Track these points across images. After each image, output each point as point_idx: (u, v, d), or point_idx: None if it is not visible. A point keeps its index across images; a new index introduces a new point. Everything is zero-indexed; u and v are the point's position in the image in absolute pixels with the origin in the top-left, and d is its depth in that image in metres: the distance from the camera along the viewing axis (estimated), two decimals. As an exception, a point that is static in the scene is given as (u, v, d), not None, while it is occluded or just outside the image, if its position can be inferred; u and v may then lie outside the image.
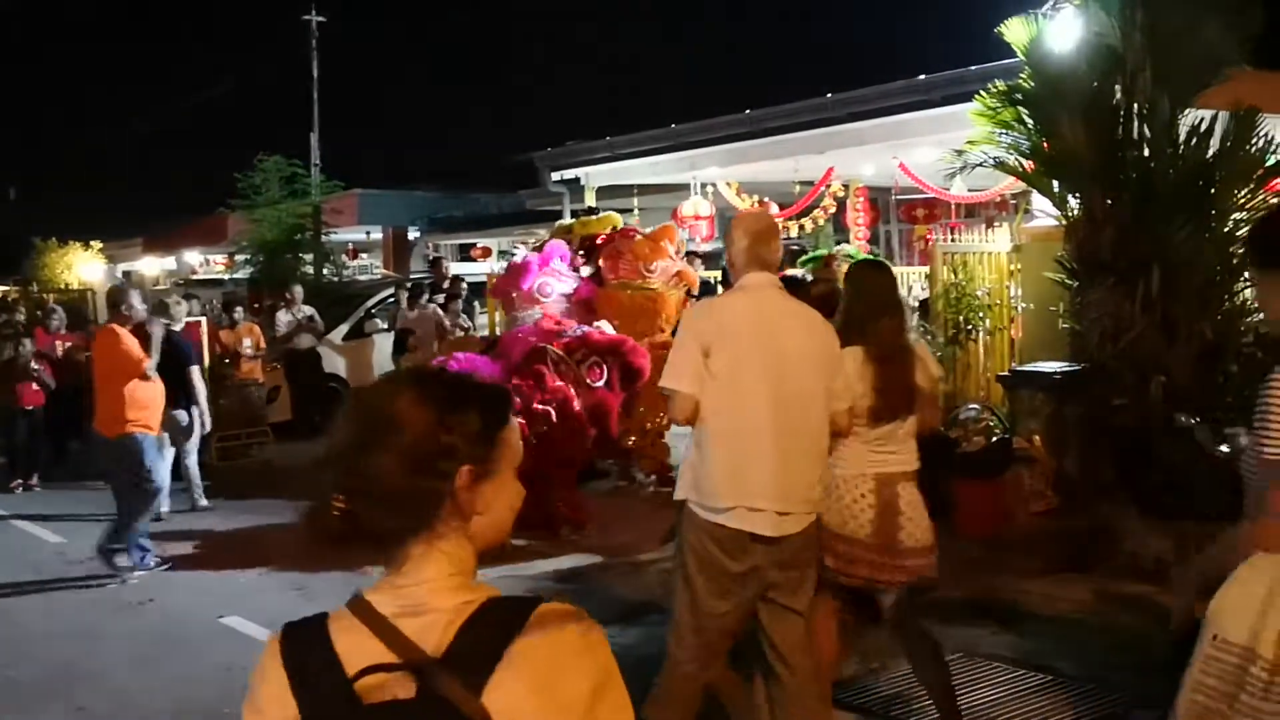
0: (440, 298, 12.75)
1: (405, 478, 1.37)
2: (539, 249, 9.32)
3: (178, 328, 8.92)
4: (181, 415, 8.44)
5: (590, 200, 15.79)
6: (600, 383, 7.62)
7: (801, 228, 14.28)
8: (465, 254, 24.31)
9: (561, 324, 8.07)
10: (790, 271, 8.23)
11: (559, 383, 7.35)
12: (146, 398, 7.24)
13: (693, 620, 3.54)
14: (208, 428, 8.88)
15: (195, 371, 8.64)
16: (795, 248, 14.84)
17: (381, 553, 1.40)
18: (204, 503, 9.15)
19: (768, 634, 3.57)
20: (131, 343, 7.18)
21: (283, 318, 13.08)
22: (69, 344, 12.15)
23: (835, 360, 3.64)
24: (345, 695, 1.32)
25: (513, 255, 9.90)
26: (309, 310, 13.27)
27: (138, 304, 7.51)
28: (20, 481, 10.55)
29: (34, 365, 10.77)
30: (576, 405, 7.39)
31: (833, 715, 3.86)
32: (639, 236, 9.16)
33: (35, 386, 10.73)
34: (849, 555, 3.86)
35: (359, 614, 1.37)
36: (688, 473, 3.60)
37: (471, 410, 1.41)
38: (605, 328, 8.08)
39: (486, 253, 23.27)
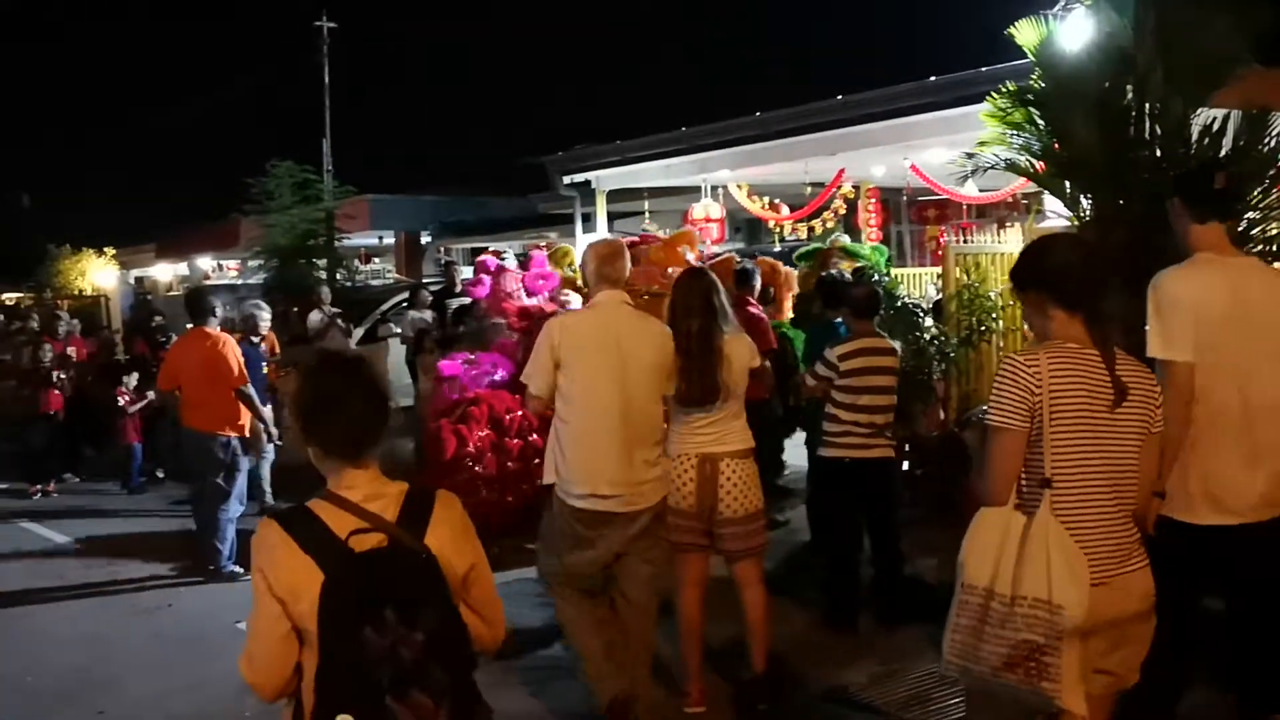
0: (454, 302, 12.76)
1: (386, 414, 2.31)
2: (524, 260, 9.30)
3: (257, 338, 9.03)
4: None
5: (601, 203, 15.80)
6: None
7: (811, 229, 14.28)
8: (477, 258, 24.39)
9: None
10: (828, 272, 8.24)
11: None
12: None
13: (561, 572, 4.34)
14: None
15: None
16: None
17: (351, 458, 2.26)
18: (271, 502, 9.13)
19: (617, 579, 4.37)
20: (237, 352, 7.45)
21: (314, 317, 13.15)
22: (86, 351, 12.24)
23: (671, 362, 4.33)
24: (341, 548, 2.14)
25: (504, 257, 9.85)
26: (336, 310, 13.33)
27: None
28: (40, 487, 10.61)
29: (58, 372, 10.85)
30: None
31: (655, 640, 4.56)
32: (657, 243, 9.12)
33: (56, 391, 10.81)
34: (674, 524, 4.49)
35: (334, 502, 2.23)
36: (551, 460, 4.34)
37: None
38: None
39: (497, 256, 23.33)
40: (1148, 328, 3.60)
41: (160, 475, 10.88)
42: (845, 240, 10.81)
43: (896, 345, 6.04)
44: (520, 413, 7.35)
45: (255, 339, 8.97)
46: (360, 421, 2.25)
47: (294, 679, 2.21)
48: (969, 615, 2.72)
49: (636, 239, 9.39)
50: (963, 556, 2.77)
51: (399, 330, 12.51)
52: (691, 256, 8.90)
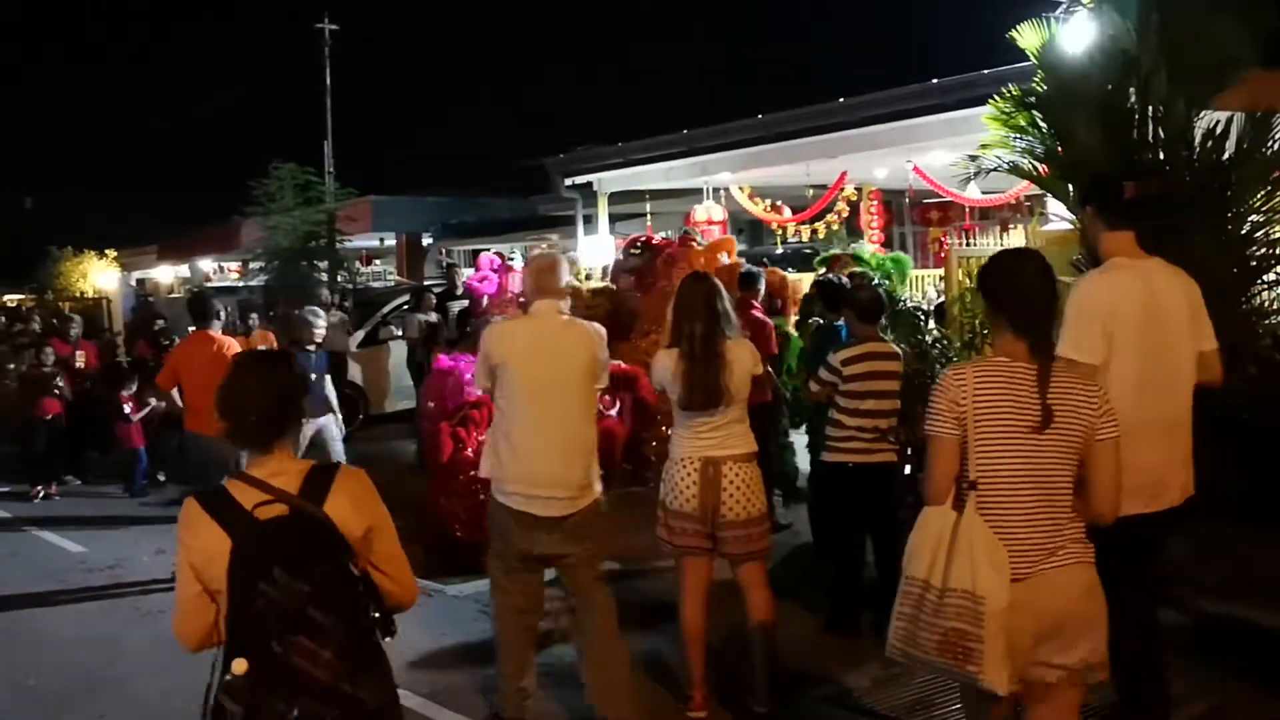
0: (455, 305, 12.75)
1: (292, 410, 2.71)
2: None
3: (312, 347, 8.56)
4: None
5: (602, 205, 15.79)
6: (612, 411, 7.58)
7: (814, 232, 14.27)
8: (478, 259, 24.38)
9: None
10: (828, 276, 8.23)
11: None
12: None
13: (499, 562, 4.55)
14: None
15: None
16: (808, 251, 14.81)
17: (260, 446, 2.63)
18: None
19: (568, 584, 4.63)
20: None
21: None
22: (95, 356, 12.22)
23: (600, 364, 4.53)
24: (248, 517, 2.50)
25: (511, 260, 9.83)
26: (338, 314, 13.33)
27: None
28: (40, 490, 10.61)
29: (58, 382, 10.82)
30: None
31: (619, 634, 4.64)
32: (695, 246, 9.14)
33: (55, 396, 10.80)
34: (677, 527, 4.56)
35: (244, 480, 2.59)
36: (488, 456, 4.57)
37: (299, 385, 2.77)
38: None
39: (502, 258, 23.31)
40: (1062, 329, 3.76)
41: (161, 479, 10.87)
42: (865, 249, 10.72)
43: (899, 349, 6.02)
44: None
45: (310, 348, 8.49)
46: (264, 417, 2.63)
47: (213, 633, 2.58)
48: (910, 605, 2.98)
49: (676, 241, 9.40)
50: (907, 551, 3.04)
51: (399, 332, 12.49)
52: (727, 261, 8.86)
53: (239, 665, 2.46)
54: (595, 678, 4.57)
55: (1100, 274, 3.89)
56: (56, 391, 10.79)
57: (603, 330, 4.66)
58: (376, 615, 2.63)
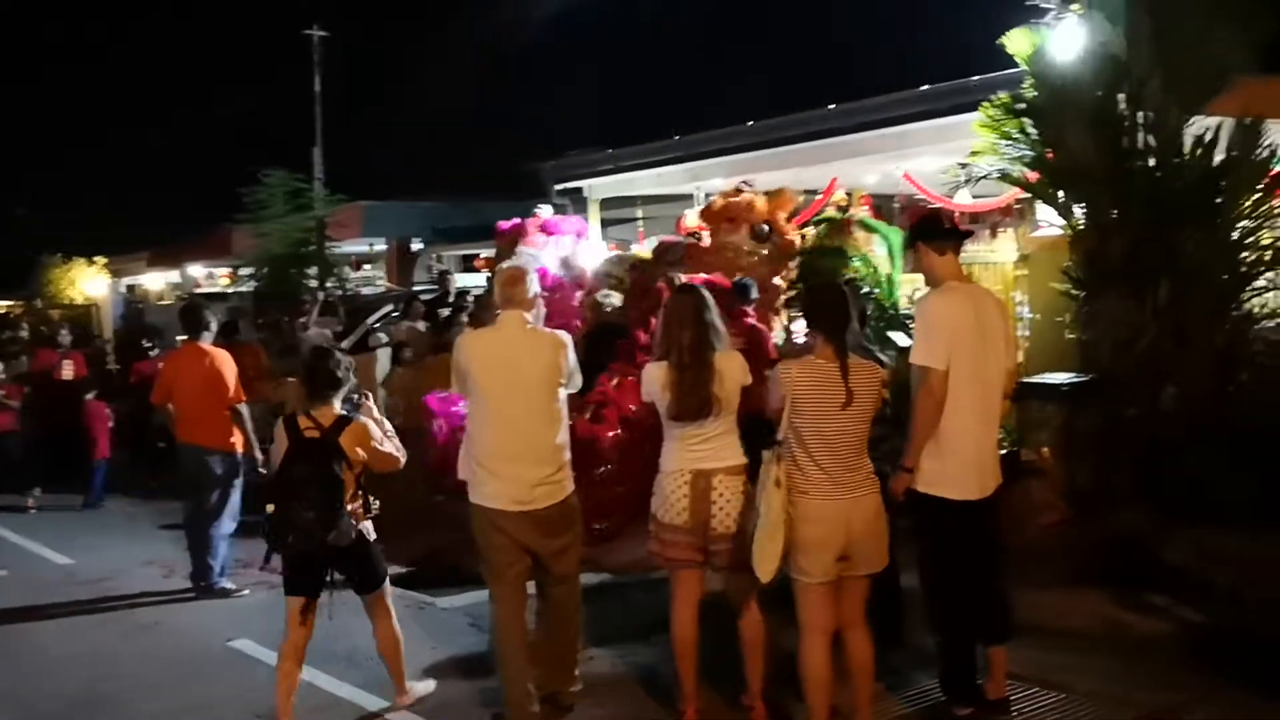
0: (445, 311, 12.66)
1: (339, 376, 4.96)
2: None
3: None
4: None
5: (594, 211, 15.75)
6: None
7: (803, 238, 14.23)
8: (469, 265, 24.30)
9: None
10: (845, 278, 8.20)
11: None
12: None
13: (490, 569, 4.75)
14: None
15: None
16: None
17: (320, 398, 4.89)
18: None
19: (539, 577, 4.84)
20: (233, 368, 7.41)
21: (309, 330, 13.17)
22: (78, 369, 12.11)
23: (562, 370, 4.74)
24: (300, 435, 4.79)
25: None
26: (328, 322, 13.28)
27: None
28: None
29: (6, 399, 10.68)
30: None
31: (579, 634, 5.00)
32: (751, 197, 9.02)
33: (11, 412, 10.69)
34: (669, 540, 4.59)
35: (304, 414, 4.84)
36: (462, 460, 4.86)
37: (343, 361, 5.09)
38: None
39: (489, 263, 23.22)
40: (913, 339, 4.61)
41: (155, 485, 10.79)
42: (865, 215, 10.59)
43: (886, 357, 5.99)
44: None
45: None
46: (318, 384, 4.89)
47: None
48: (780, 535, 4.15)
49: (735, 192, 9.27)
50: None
51: (388, 340, 12.40)
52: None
53: (269, 508, 4.65)
54: (548, 655, 4.84)
55: (941, 294, 4.54)
56: (10, 406, 10.68)
57: (566, 337, 4.85)
58: (372, 501, 4.89)
